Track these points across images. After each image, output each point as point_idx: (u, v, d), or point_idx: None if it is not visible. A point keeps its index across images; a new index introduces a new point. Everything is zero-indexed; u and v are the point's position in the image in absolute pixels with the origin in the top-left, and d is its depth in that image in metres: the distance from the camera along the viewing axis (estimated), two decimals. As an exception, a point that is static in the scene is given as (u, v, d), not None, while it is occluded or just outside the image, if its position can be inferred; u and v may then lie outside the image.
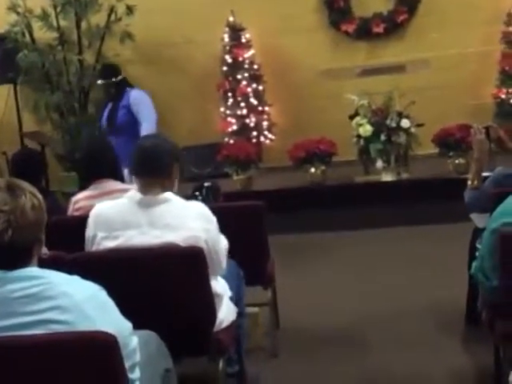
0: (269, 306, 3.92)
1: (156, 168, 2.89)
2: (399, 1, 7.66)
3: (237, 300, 3.27)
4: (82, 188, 3.79)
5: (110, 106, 5.94)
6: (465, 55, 7.40)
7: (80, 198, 3.72)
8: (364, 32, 7.72)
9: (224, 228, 3.01)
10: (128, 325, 2.14)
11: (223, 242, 3.06)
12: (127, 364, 2.02)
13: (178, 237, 2.79)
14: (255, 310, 3.94)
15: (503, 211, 2.76)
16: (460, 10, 7.37)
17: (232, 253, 3.15)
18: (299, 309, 4.47)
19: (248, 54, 7.71)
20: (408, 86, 6.49)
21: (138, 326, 2.22)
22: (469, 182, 3.55)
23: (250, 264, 3.45)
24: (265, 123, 7.74)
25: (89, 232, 2.93)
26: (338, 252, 5.77)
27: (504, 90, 7.33)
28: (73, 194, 3.85)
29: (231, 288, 3.17)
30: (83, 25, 7.77)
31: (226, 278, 3.14)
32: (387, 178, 6.69)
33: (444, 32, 7.39)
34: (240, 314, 3.28)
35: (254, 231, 3.67)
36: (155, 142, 2.96)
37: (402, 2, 7.65)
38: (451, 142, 6.60)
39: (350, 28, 7.73)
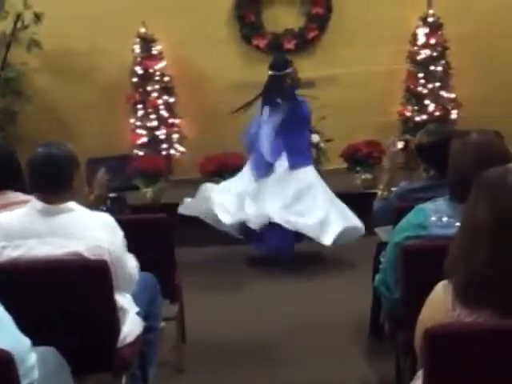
0: (175, 321, 3.88)
1: (55, 182, 2.78)
2: (310, 18, 7.78)
3: (148, 314, 3.21)
4: (-16, 199, 3.64)
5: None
6: (372, 73, 7.56)
7: (-21, 210, 3.58)
8: (275, 47, 7.79)
9: (130, 241, 2.96)
10: (26, 341, 2.07)
11: (132, 263, 3.00)
12: (24, 382, 1.96)
13: (81, 246, 2.72)
14: (161, 324, 3.88)
15: (406, 225, 2.81)
16: (368, 28, 7.54)
17: (140, 267, 3.10)
18: (206, 323, 4.44)
19: (159, 65, 7.65)
20: (318, 102, 6.59)
21: (37, 341, 2.15)
22: (379, 193, 3.64)
23: (157, 278, 3.40)
24: (175, 136, 7.68)
25: (-13, 243, 2.81)
26: (248, 267, 5.77)
27: (409, 108, 7.52)
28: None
29: (142, 301, 3.11)
30: (-12, 31, 7.53)
31: (137, 290, 3.07)
32: (297, 191, 6.75)
33: (353, 50, 7.54)
34: (150, 329, 3.22)
35: (161, 245, 3.61)
36: (49, 154, 2.79)
37: (313, 19, 7.77)
38: (359, 157, 6.76)
39: (262, 43, 7.79)
